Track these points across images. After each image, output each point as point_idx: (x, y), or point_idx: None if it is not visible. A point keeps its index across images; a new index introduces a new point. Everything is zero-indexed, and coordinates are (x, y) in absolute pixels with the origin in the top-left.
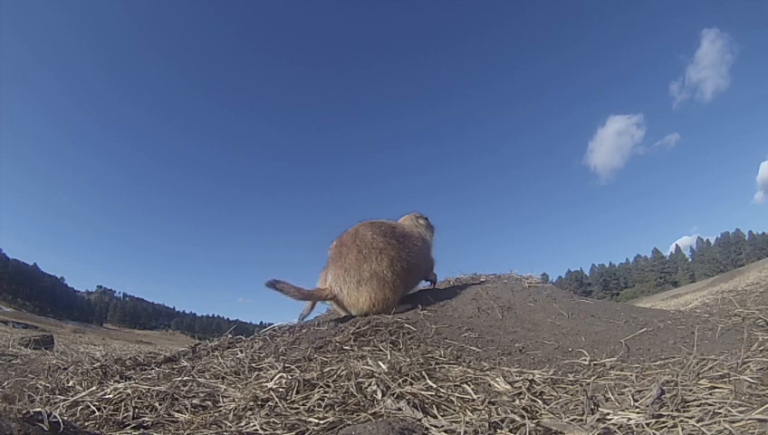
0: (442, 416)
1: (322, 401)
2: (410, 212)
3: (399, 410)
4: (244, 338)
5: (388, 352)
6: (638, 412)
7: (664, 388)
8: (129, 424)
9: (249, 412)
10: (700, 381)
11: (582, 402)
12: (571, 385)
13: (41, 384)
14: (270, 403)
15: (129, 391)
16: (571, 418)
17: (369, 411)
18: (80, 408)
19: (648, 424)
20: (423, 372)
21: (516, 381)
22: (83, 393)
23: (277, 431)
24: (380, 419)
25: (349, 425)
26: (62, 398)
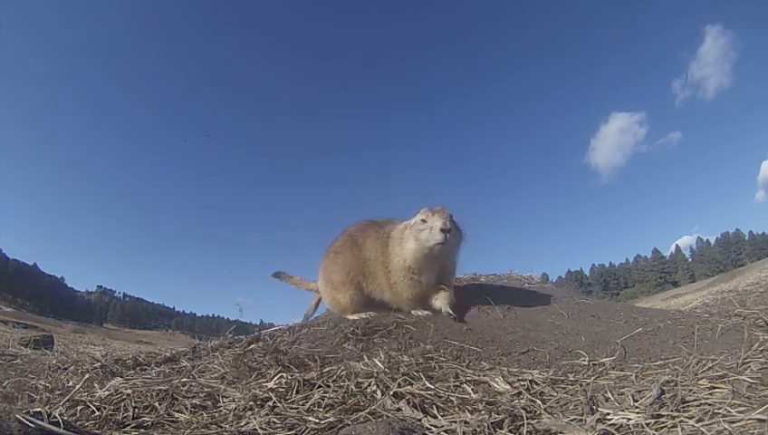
0: (442, 416)
1: (322, 400)
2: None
3: (399, 410)
4: (244, 338)
5: (387, 351)
6: (637, 412)
7: (664, 388)
8: (129, 424)
9: (249, 412)
10: (700, 382)
11: (582, 402)
12: (571, 385)
13: (41, 384)
14: (270, 403)
15: (129, 391)
16: (571, 418)
17: (369, 411)
18: (80, 408)
19: (647, 424)
20: (422, 372)
21: (516, 382)
22: (83, 393)
23: (277, 431)
24: (380, 419)
25: (348, 425)
26: (62, 398)
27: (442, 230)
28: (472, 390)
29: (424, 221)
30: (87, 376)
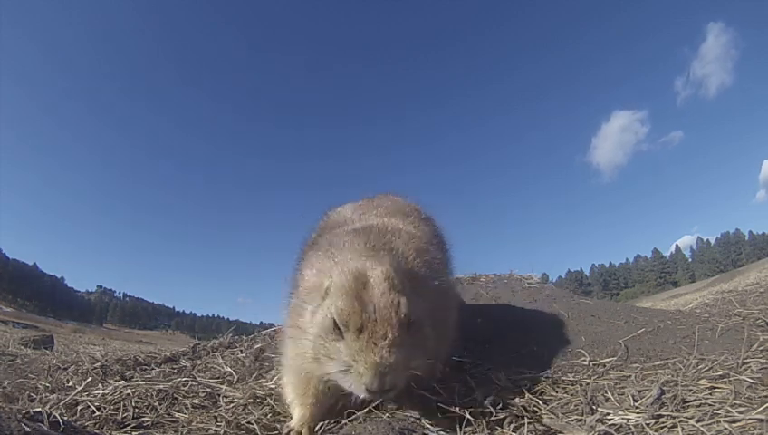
0: (442, 415)
1: None
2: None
3: (399, 409)
4: (244, 338)
5: None
6: (637, 412)
7: (664, 388)
8: (129, 424)
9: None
10: (700, 381)
11: (582, 402)
12: (571, 385)
13: (41, 384)
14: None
15: (129, 391)
16: (571, 418)
17: (369, 411)
18: (80, 408)
19: (647, 424)
20: None
21: (516, 381)
22: (83, 393)
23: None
24: (380, 419)
25: (348, 425)
26: (62, 398)
27: (369, 391)
28: (475, 388)
29: (337, 334)
30: (87, 376)
